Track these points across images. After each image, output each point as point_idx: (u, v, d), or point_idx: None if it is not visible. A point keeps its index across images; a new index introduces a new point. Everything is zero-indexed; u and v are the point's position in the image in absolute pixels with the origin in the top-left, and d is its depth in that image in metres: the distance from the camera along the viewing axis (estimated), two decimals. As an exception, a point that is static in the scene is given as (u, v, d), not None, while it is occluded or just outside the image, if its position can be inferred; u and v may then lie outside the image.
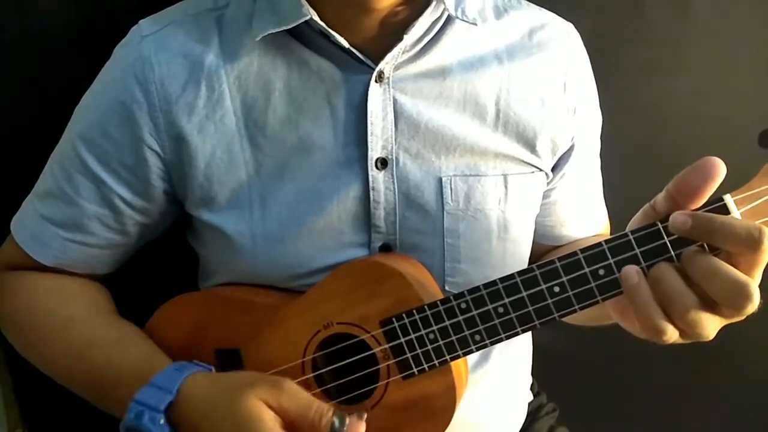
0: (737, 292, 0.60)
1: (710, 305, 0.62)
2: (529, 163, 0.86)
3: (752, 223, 0.61)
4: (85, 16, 1.01)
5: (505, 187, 0.84)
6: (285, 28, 0.77)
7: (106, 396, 0.81)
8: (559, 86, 0.86)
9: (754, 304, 0.60)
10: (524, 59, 0.85)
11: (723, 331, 0.66)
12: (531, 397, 1.06)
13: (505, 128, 0.84)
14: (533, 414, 1.07)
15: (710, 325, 0.63)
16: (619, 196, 1.01)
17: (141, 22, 0.83)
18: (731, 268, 0.61)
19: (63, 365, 0.84)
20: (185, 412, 0.72)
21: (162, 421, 0.71)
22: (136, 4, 0.93)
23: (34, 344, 0.87)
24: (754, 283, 0.61)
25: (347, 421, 0.69)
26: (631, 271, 0.65)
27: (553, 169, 0.89)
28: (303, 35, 0.80)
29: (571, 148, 0.89)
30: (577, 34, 0.90)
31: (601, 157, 0.98)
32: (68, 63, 0.99)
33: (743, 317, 0.63)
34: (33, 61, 1.00)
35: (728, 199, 0.64)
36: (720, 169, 0.62)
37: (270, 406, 0.69)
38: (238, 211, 0.82)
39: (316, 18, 0.76)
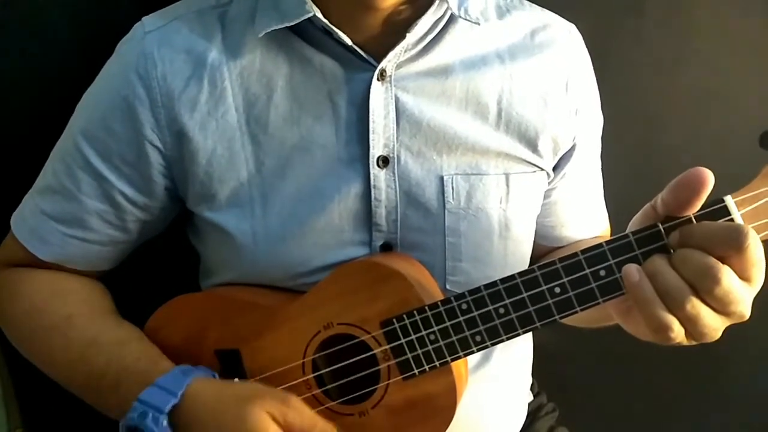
0: (703, 274, 0.61)
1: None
2: (530, 163, 0.86)
3: (732, 224, 0.62)
4: (87, 12, 1.00)
5: (507, 186, 0.84)
6: (288, 24, 0.77)
7: (104, 397, 0.80)
8: (561, 86, 0.86)
9: (722, 288, 0.60)
10: (526, 59, 0.85)
11: (724, 331, 0.66)
12: (531, 397, 1.06)
13: (506, 127, 0.84)
14: (533, 414, 1.07)
15: (712, 322, 0.63)
16: (619, 196, 1.01)
17: (144, 18, 0.83)
18: (704, 254, 0.62)
19: (62, 365, 0.84)
20: (188, 416, 0.72)
21: (165, 423, 0.71)
22: (137, 4, 0.93)
23: (34, 344, 0.87)
24: (724, 269, 0.61)
25: None
26: (632, 269, 0.65)
27: (554, 169, 0.90)
28: (306, 32, 0.80)
29: (573, 148, 0.89)
30: (579, 35, 0.90)
31: (601, 158, 0.98)
32: (69, 59, 0.99)
33: (737, 314, 0.63)
34: (34, 57, 1.00)
35: (729, 201, 0.64)
36: (708, 180, 0.62)
37: (276, 420, 0.70)
38: (238, 209, 0.82)
39: (320, 15, 0.76)
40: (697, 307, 0.62)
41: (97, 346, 0.82)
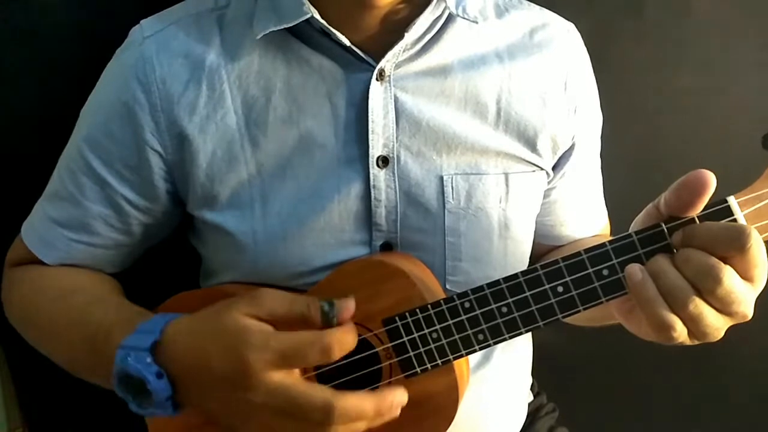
0: (705, 274, 0.61)
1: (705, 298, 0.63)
2: (530, 162, 0.86)
3: (735, 225, 0.62)
4: (90, 17, 1.01)
5: (506, 185, 0.84)
6: (286, 26, 0.77)
7: (99, 356, 0.77)
8: (560, 85, 0.86)
9: (724, 288, 0.61)
10: (525, 58, 0.85)
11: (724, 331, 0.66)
12: (531, 398, 1.06)
13: (506, 127, 0.84)
14: (533, 414, 1.07)
15: (714, 322, 0.63)
16: (618, 196, 1.01)
17: (143, 22, 0.83)
18: (706, 254, 0.62)
19: (63, 330, 0.82)
20: (172, 349, 0.69)
21: (149, 360, 0.68)
22: (140, 3, 0.93)
23: (37, 318, 0.86)
24: (726, 269, 0.61)
25: (335, 303, 0.68)
26: (635, 269, 0.65)
27: (553, 169, 0.90)
28: (304, 33, 0.80)
29: (572, 148, 0.89)
30: (578, 34, 0.90)
31: (601, 157, 0.98)
32: (74, 64, 1.00)
33: (739, 314, 0.63)
34: (39, 63, 1.01)
35: (732, 201, 0.64)
36: (710, 182, 0.62)
37: (254, 316, 0.67)
38: (239, 210, 0.82)
39: (317, 16, 0.76)
40: (699, 306, 0.62)
41: (96, 303, 0.81)
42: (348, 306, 0.68)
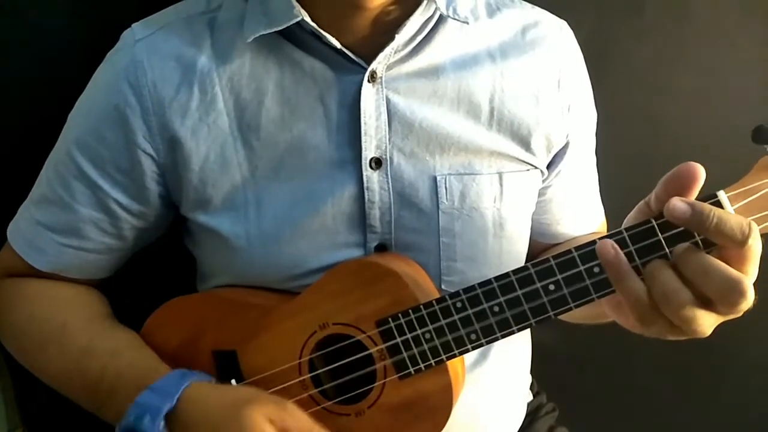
0: (730, 289, 0.60)
1: (705, 302, 0.62)
2: (524, 161, 0.86)
3: (742, 218, 0.61)
4: (84, 18, 1.01)
5: (501, 185, 0.84)
6: (276, 29, 0.78)
7: (101, 404, 0.81)
8: (553, 84, 0.86)
9: (747, 301, 0.60)
10: (518, 57, 0.85)
11: (723, 331, 0.66)
12: (530, 397, 1.06)
13: (499, 126, 0.84)
14: (533, 414, 1.06)
15: (705, 321, 0.63)
16: (617, 195, 1.01)
17: (134, 25, 0.84)
18: (724, 265, 0.61)
19: (58, 373, 0.85)
20: (185, 419, 0.72)
21: (161, 426, 0.71)
22: (134, 4, 0.93)
23: (30, 353, 0.88)
24: (747, 279, 0.61)
25: None
26: (607, 245, 0.64)
27: (548, 167, 0.89)
28: (295, 36, 0.80)
29: (566, 146, 0.89)
30: (571, 32, 0.90)
31: (599, 156, 0.98)
32: (66, 66, 1.00)
33: (739, 314, 0.63)
34: (31, 64, 1.01)
35: (722, 196, 0.64)
36: (699, 174, 0.62)
37: (273, 424, 0.70)
38: (233, 213, 0.82)
39: (308, 19, 0.76)
40: (694, 310, 0.62)
41: (90, 356, 0.82)
42: None
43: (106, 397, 0.79)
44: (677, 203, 0.61)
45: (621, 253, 0.64)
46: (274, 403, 0.72)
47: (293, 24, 0.77)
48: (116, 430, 0.74)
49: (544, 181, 0.91)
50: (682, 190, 0.63)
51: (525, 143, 0.85)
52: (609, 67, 1.02)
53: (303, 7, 0.76)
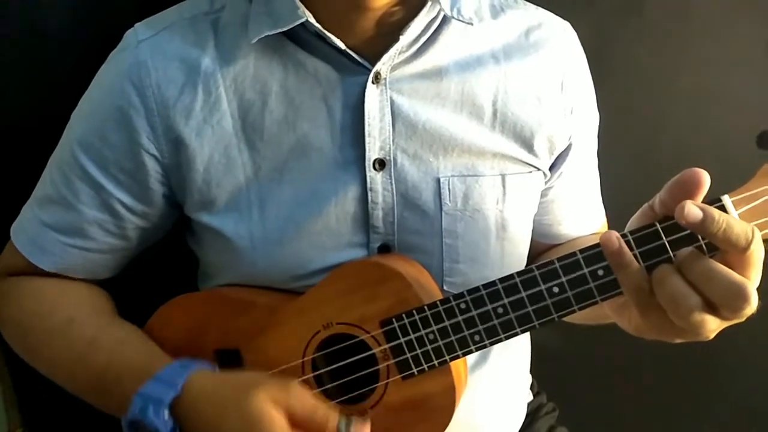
0: (734, 294, 0.60)
1: (711, 306, 0.62)
2: (526, 163, 0.86)
3: (746, 224, 0.61)
4: (87, 18, 1.01)
5: (503, 186, 0.84)
6: (280, 30, 0.77)
7: (106, 395, 0.81)
8: (556, 85, 0.86)
9: (751, 306, 0.61)
10: (521, 59, 0.85)
11: (723, 332, 0.66)
12: (530, 397, 1.06)
13: (502, 128, 0.84)
14: (533, 414, 1.06)
15: (711, 326, 0.63)
16: (618, 196, 1.01)
17: (137, 25, 0.83)
18: (728, 270, 0.61)
19: (64, 365, 0.84)
20: (189, 408, 0.72)
21: (166, 415, 0.71)
22: (136, 5, 0.93)
23: (35, 347, 0.87)
24: (751, 284, 0.61)
25: (353, 423, 0.70)
26: (611, 236, 0.64)
27: (550, 169, 0.90)
28: (299, 37, 0.80)
29: (569, 148, 0.89)
30: (574, 33, 0.90)
31: (600, 157, 0.98)
32: (69, 66, 0.99)
33: (743, 319, 0.63)
34: (33, 64, 1.00)
35: (726, 200, 0.64)
36: (704, 181, 0.62)
37: (278, 407, 0.69)
38: (236, 214, 0.82)
39: (312, 20, 0.76)
40: (702, 315, 0.62)
41: (97, 345, 0.82)
42: (363, 428, 0.71)
43: (112, 385, 0.79)
44: (691, 207, 0.61)
45: (624, 243, 0.64)
46: (278, 385, 0.71)
47: (297, 25, 0.77)
48: (122, 422, 0.73)
49: (546, 183, 0.91)
50: (687, 195, 0.63)
51: (528, 145, 0.85)
52: (609, 67, 1.02)
53: (307, 8, 0.76)
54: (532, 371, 1.04)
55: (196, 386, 0.73)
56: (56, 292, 0.87)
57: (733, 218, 0.61)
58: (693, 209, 0.61)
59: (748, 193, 0.65)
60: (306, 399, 0.71)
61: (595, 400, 1.38)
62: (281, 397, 0.70)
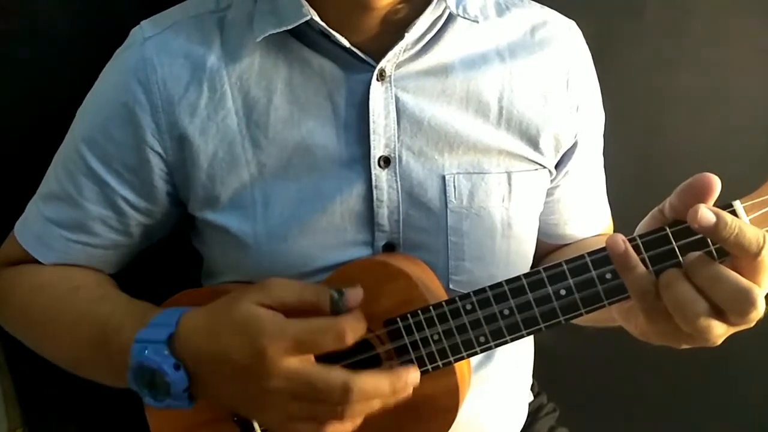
0: (741, 299, 0.60)
1: (718, 312, 0.62)
2: (532, 161, 0.86)
3: (758, 230, 0.61)
4: (90, 16, 1.00)
5: (509, 184, 0.84)
6: (285, 28, 0.77)
7: (106, 349, 0.79)
8: (562, 83, 0.86)
9: (758, 311, 0.61)
10: (527, 57, 0.85)
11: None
12: (531, 398, 1.06)
13: (508, 126, 0.84)
14: (534, 414, 1.07)
15: (718, 331, 0.63)
16: (620, 195, 1.01)
17: (143, 23, 0.83)
18: (735, 274, 0.61)
19: (68, 326, 0.83)
20: (188, 340, 0.71)
21: (166, 352, 0.71)
22: (138, 4, 0.92)
23: (38, 319, 0.86)
24: (758, 289, 0.61)
25: (346, 292, 0.70)
26: (617, 239, 0.64)
27: (556, 167, 0.89)
28: (304, 35, 0.79)
29: (574, 146, 0.89)
30: (579, 32, 0.90)
31: (602, 156, 0.98)
32: (72, 63, 0.99)
33: (750, 324, 0.63)
34: (36, 62, 1.00)
35: (737, 206, 0.64)
36: (714, 186, 0.62)
37: (265, 305, 0.69)
38: (241, 211, 0.81)
39: (317, 18, 0.76)
40: (709, 320, 0.62)
41: (101, 300, 0.83)
42: (357, 294, 0.70)
43: (112, 335, 0.78)
44: (704, 211, 0.61)
45: (629, 246, 0.64)
46: (258, 287, 0.71)
47: (302, 23, 0.76)
48: (128, 378, 0.73)
49: (552, 181, 0.91)
50: (698, 200, 0.62)
51: (533, 143, 0.85)
52: (609, 67, 1.02)
53: (312, 6, 0.76)
54: (533, 372, 1.04)
55: (190, 321, 0.73)
56: (63, 269, 0.87)
57: (745, 223, 0.61)
58: (706, 213, 0.61)
59: (759, 199, 0.64)
60: (288, 285, 0.71)
61: (595, 401, 1.38)
62: (262, 295, 0.70)
